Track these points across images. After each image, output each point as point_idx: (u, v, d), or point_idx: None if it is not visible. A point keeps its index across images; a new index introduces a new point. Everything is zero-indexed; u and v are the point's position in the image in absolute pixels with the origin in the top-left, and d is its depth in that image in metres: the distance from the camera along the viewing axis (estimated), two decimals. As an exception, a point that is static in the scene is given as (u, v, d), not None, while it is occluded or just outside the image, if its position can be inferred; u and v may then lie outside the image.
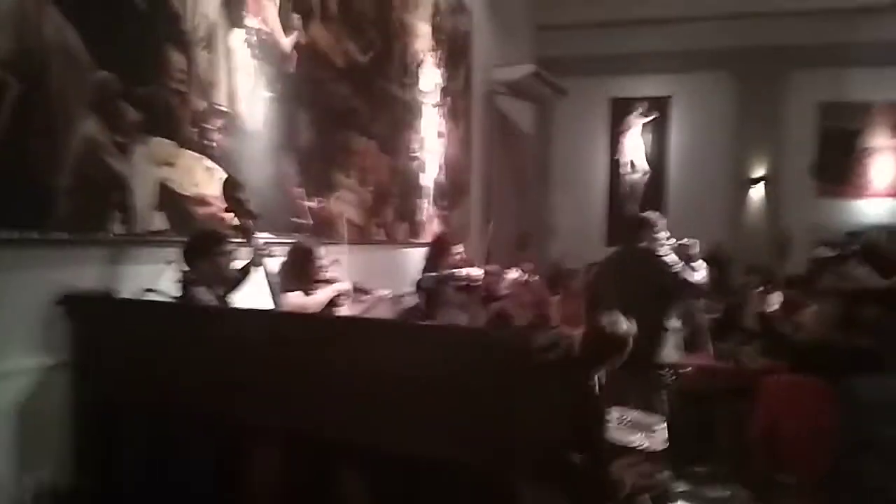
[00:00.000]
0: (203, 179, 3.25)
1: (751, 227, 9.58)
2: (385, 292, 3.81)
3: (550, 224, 9.96)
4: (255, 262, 2.94)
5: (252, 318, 2.17)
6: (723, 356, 4.58)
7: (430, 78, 6.08)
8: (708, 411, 4.06)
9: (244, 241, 2.97)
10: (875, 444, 3.78)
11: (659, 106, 10.01)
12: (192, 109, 3.20)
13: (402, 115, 5.57)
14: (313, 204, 4.26)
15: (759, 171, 9.52)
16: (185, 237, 2.88)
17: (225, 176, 3.24)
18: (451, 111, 6.58)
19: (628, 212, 10.04)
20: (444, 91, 6.40)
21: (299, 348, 1.83)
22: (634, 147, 10.17)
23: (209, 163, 3.30)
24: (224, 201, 3.03)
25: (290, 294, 3.11)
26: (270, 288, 2.85)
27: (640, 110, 10.08)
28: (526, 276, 4.53)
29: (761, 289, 4.82)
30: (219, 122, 3.39)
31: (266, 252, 2.92)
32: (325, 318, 2.71)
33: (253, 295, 2.92)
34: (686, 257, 3.74)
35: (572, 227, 9.89)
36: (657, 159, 10.07)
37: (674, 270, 3.67)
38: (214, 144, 3.36)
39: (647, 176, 10.11)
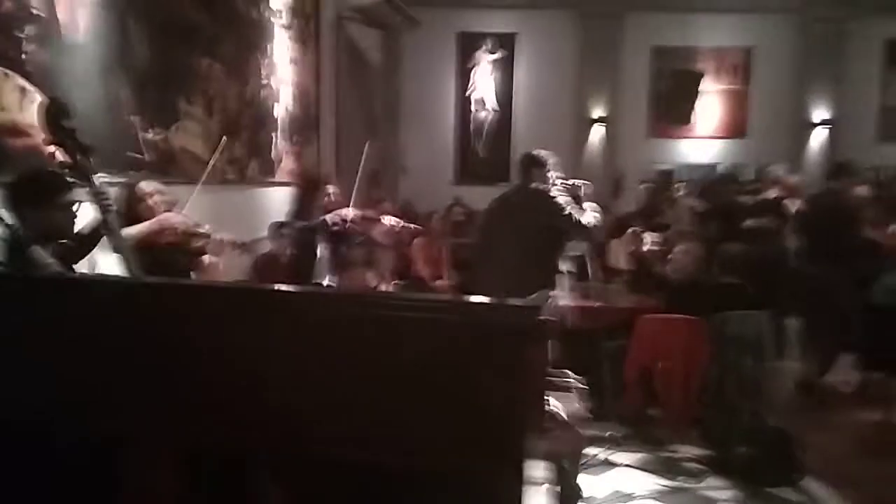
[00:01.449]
0: (13, 102, 2.53)
1: (591, 167, 9.90)
2: (225, 237, 3.25)
3: (400, 162, 9.62)
4: (104, 213, 2.29)
5: (120, 287, 1.60)
6: (590, 294, 4.58)
7: (279, -5, 5.40)
8: (593, 351, 4.03)
9: (80, 183, 2.31)
10: (735, 373, 4.00)
11: (505, 43, 9.89)
12: (-9, 9, 2.45)
13: (251, 36, 4.89)
14: (151, 136, 3.59)
15: (599, 111, 9.78)
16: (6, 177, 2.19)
17: (43, 99, 2.54)
18: (301, 35, 5.94)
19: (480, 150, 10.00)
20: (293, 12, 5.73)
21: (192, 327, 1.36)
22: (483, 84, 10.01)
23: (21, 81, 2.57)
24: (46, 131, 2.34)
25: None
26: (120, 247, 2.21)
27: (488, 46, 9.89)
28: (399, 222, 4.17)
29: (635, 229, 4.87)
30: (31, 30, 2.64)
31: (111, 201, 2.28)
32: (229, 288, 2.07)
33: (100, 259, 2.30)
34: (577, 198, 3.59)
35: (421, 165, 9.64)
36: (503, 97, 10.00)
37: (567, 212, 3.50)
38: (25, 57, 2.62)
39: (495, 114, 10.03)
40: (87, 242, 2.27)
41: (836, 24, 9.27)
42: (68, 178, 2.25)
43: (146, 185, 2.91)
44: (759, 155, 9.29)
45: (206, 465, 1.39)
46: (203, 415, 1.31)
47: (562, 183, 3.64)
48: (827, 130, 9.46)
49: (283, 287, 1.67)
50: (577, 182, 3.67)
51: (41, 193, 2.19)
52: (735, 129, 9.74)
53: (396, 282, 5.07)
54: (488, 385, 1.14)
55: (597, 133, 9.84)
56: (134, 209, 2.80)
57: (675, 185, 7.33)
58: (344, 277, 3.46)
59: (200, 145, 4.13)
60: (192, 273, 2.95)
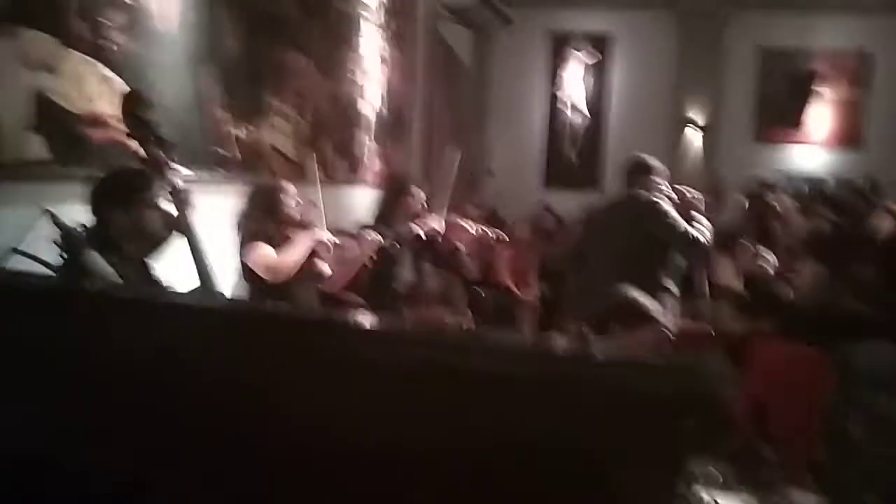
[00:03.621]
0: (98, 93, 2.42)
1: (690, 174, 9.34)
2: (374, 236, 3.10)
3: (486, 165, 9.37)
4: (180, 210, 2.13)
5: (219, 315, 1.30)
6: (697, 316, 4.19)
7: (371, -9, 5.25)
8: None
9: (154, 175, 2.16)
10: (863, 410, 3.54)
11: (599, 43, 9.48)
12: (80, -6, 2.35)
13: (340, 29, 4.75)
14: (241, 132, 3.47)
15: (699, 116, 9.23)
16: (89, 174, 2.06)
17: (127, 89, 2.42)
18: (394, 34, 5.78)
19: (570, 155, 9.63)
20: (386, 9, 5.58)
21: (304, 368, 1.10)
22: (575, 86, 9.64)
23: (106, 71, 2.46)
24: (125, 123, 2.21)
25: (254, 248, 2.37)
26: (198, 251, 2.04)
27: (581, 50, 9.51)
28: (494, 233, 3.90)
29: (745, 243, 4.43)
30: (119, 18, 2.54)
31: (188, 197, 2.12)
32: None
33: (178, 262, 2.13)
34: (690, 211, 3.24)
35: (508, 169, 9.38)
36: (596, 100, 9.60)
37: (674, 222, 3.16)
38: (114, 47, 2.52)
39: (587, 117, 9.64)
40: (157, 243, 2.11)
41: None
42: (148, 173, 2.12)
43: (277, 183, 2.77)
44: (873, 168, 8.56)
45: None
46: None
47: (673, 191, 3.30)
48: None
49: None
50: (693, 192, 3.31)
51: (130, 191, 2.06)
52: (848, 138, 8.98)
53: (477, 288, 4.83)
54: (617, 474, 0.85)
55: (695, 139, 9.29)
56: (268, 209, 2.63)
57: (784, 197, 6.75)
58: (416, 312, 3.24)
59: (290, 144, 4.01)
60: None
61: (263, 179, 2.77)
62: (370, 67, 5.28)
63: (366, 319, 1.25)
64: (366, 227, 3.62)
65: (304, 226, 2.66)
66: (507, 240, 5.08)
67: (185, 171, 2.26)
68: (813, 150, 9.04)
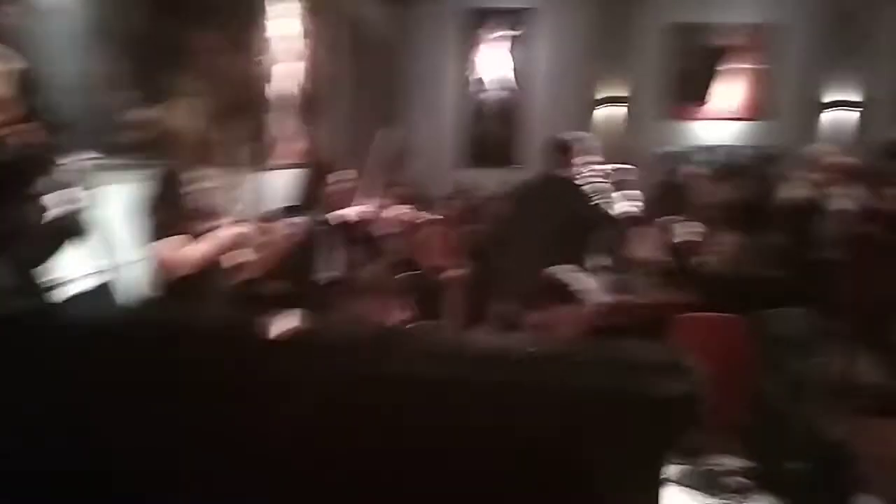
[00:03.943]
0: (-25, 72, 2.16)
1: (605, 148, 9.49)
2: (293, 220, 2.88)
3: (409, 144, 9.23)
4: (73, 203, 1.91)
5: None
6: (621, 290, 4.24)
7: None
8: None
9: (44, 164, 1.95)
10: (784, 376, 3.68)
11: (517, 20, 9.47)
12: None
13: (252, 6, 4.50)
14: (145, 115, 3.22)
15: (615, 91, 9.38)
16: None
17: (8, 68, 2.17)
18: (308, 10, 5.54)
19: (489, 131, 9.60)
20: (295, -19, 5.33)
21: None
22: (492, 62, 9.60)
23: (-15, 48, 2.20)
24: (9, 106, 1.98)
25: (159, 240, 2.17)
26: (94, 248, 1.84)
27: (498, 23, 9.47)
28: (420, 214, 3.81)
29: (667, 217, 4.52)
30: (-3, -12, 2.28)
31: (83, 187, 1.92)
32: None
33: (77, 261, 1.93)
34: (619, 184, 3.24)
35: (427, 147, 9.27)
36: (515, 76, 9.61)
37: (594, 202, 3.16)
38: (-8, 21, 2.26)
39: (504, 93, 9.63)
40: (50, 244, 1.89)
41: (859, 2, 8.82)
42: (37, 162, 1.90)
43: (195, 170, 2.51)
44: (781, 137, 8.94)
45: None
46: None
47: (596, 169, 3.29)
48: (853, 111, 9.04)
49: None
50: (619, 166, 3.32)
51: (11, 184, 1.84)
52: (755, 110, 9.34)
53: (410, 272, 4.73)
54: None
55: (610, 113, 9.44)
56: (179, 200, 2.39)
57: (697, 169, 6.96)
58: (355, 307, 3.08)
59: (200, 126, 3.76)
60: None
61: (168, 164, 2.53)
62: (286, 45, 5.04)
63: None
64: (288, 210, 3.46)
65: (214, 213, 2.46)
66: (433, 219, 5.00)
67: (80, 157, 2.06)
68: (724, 122, 9.37)
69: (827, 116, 9.10)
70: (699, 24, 9.04)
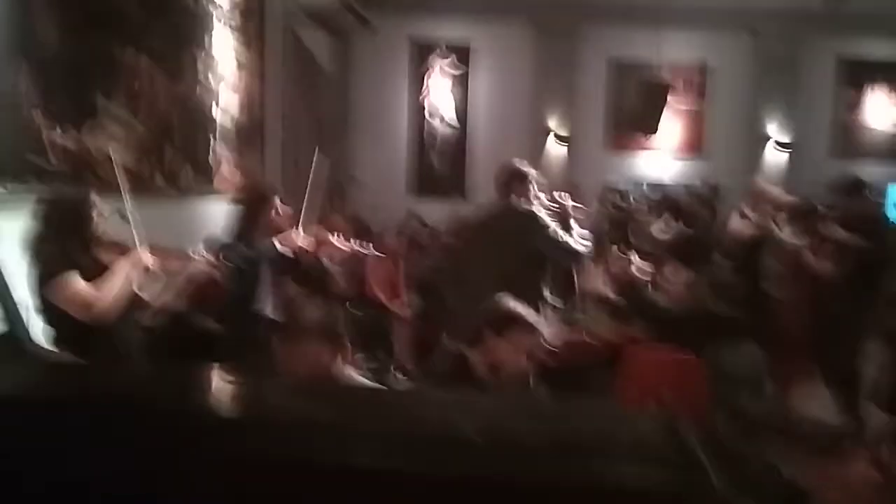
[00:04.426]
0: None
1: (549, 183, 9.53)
2: (200, 255, 2.64)
3: (350, 173, 9.06)
4: None
5: None
6: (572, 324, 4.13)
7: (220, -14, 4.82)
8: (575, 387, 3.57)
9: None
10: (734, 414, 3.62)
11: (461, 55, 9.48)
12: None
13: (187, 28, 4.30)
14: (63, 138, 2.97)
15: (557, 125, 9.46)
16: None
17: None
18: (244, 34, 5.35)
19: (434, 163, 9.52)
20: (235, 5, 5.15)
21: None
22: (437, 94, 9.56)
23: None
24: None
25: (60, 280, 1.92)
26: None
27: (444, 58, 9.46)
28: (351, 244, 3.63)
29: (615, 248, 4.45)
30: None
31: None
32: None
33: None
34: (565, 216, 3.14)
35: (373, 176, 9.14)
36: (459, 109, 9.59)
37: (553, 233, 3.05)
38: None
39: (450, 126, 9.59)
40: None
41: (788, 43, 9.19)
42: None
43: (82, 193, 2.24)
44: (713, 173, 9.17)
45: None
46: None
47: (547, 199, 3.19)
48: (782, 148, 9.35)
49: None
50: (566, 199, 3.22)
51: None
52: (692, 147, 9.55)
53: (350, 307, 4.53)
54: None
55: (554, 148, 9.50)
56: (70, 226, 2.12)
57: (635, 203, 7.01)
58: (291, 353, 2.81)
59: (125, 151, 3.52)
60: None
61: (62, 191, 2.28)
62: (222, 70, 4.84)
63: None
64: (222, 240, 3.23)
65: (119, 246, 2.20)
66: (376, 252, 4.83)
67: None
68: (661, 157, 9.54)
69: (762, 154, 9.38)
70: (640, 60, 9.20)
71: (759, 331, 3.96)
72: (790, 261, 4.45)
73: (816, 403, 4.41)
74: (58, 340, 1.96)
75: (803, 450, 4.03)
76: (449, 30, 9.41)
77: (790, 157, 9.26)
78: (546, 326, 3.17)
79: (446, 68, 9.48)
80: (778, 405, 4.30)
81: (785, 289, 4.47)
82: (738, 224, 4.82)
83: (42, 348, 1.84)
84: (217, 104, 4.81)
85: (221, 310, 3.29)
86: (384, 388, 1.39)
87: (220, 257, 3.12)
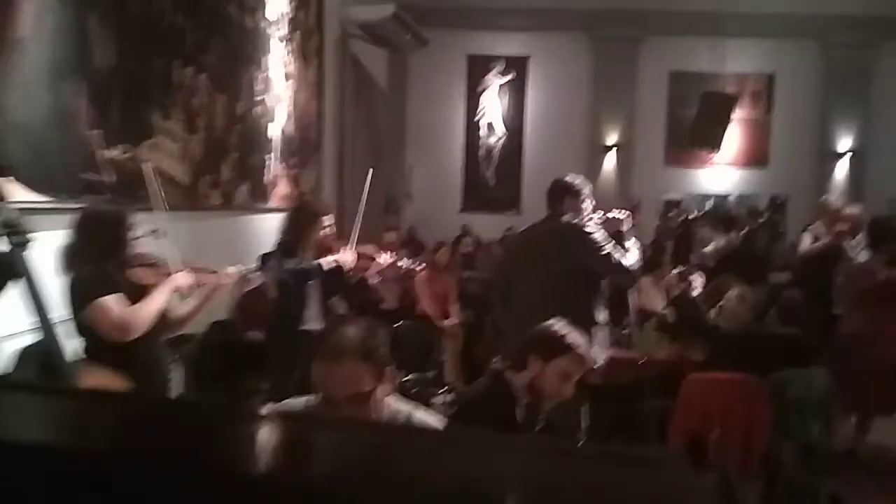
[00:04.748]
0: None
1: (605, 195, 9.35)
2: (232, 270, 2.65)
3: (405, 188, 9.09)
4: (17, 245, 1.71)
5: None
6: (626, 344, 4.00)
7: (276, 5, 4.89)
8: (628, 409, 3.44)
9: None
10: (803, 442, 3.41)
11: (517, 66, 9.43)
12: None
13: (243, 46, 4.37)
14: (115, 154, 3.04)
15: (614, 137, 9.28)
16: None
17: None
18: (301, 50, 5.43)
19: (489, 178, 9.47)
20: (293, 24, 5.24)
21: None
22: (492, 108, 9.53)
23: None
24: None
25: (97, 301, 1.94)
26: (35, 295, 1.64)
27: (499, 69, 9.42)
28: (401, 261, 3.59)
29: (679, 269, 4.28)
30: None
31: (25, 232, 1.71)
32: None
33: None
34: (618, 233, 3.02)
35: (427, 191, 9.16)
36: (514, 122, 9.52)
37: (605, 252, 2.93)
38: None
39: (505, 139, 9.53)
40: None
41: (858, 50, 8.77)
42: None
43: (117, 210, 2.27)
44: (776, 183, 8.83)
45: None
46: None
47: (600, 215, 3.08)
48: (850, 160, 8.91)
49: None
50: (618, 214, 3.10)
51: None
52: (755, 157, 9.22)
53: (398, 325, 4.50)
54: None
55: (611, 160, 9.32)
56: (106, 242, 2.14)
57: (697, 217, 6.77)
58: (329, 373, 2.68)
59: (179, 166, 3.59)
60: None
61: (99, 206, 2.31)
62: (276, 86, 4.91)
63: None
64: (270, 256, 3.24)
65: (155, 265, 2.20)
66: (428, 268, 4.79)
67: (34, 198, 1.85)
68: (723, 170, 9.24)
69: (831, 166, 8.97)
70: (701, 71, 8.94)
71: (832, 356, 3.73)
72: (869, 284, 4.18)
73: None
74: (92, 355, 1.98)
75: (873, 484, 3.78)
76: (505, 45, 9.39)
77: (861, 168, 8.84)
78: (597, 354, 3.06)
79: (500, 81, 9.44)
80: (849, 435, 4.05)
81: (868, 314, 4.19)
82: (809, 244, 4.56)
83: (75, 364, 1.86)
84: (273, 121, 4.88)
85: (268, 324, 3.31)
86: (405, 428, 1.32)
87: (269, 272, 3.13)
